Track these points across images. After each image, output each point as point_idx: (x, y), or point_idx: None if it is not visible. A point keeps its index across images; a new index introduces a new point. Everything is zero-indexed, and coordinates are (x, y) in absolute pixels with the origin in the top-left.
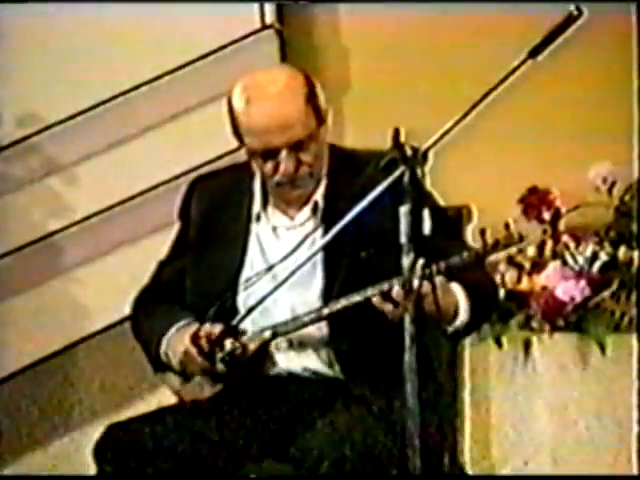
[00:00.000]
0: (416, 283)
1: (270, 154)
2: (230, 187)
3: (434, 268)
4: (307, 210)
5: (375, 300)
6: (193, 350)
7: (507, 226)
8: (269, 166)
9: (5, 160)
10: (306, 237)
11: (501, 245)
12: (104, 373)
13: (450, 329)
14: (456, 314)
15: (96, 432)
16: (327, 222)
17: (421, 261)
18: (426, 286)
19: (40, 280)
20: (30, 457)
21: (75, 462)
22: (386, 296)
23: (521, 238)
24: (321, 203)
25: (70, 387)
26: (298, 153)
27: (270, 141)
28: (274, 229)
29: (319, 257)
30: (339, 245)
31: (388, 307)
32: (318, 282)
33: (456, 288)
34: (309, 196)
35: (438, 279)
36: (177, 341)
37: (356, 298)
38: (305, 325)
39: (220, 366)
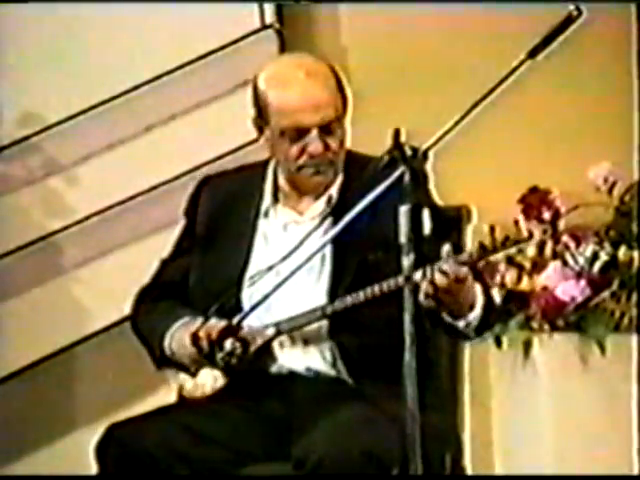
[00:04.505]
0: (447, 267)
1: (299, 135)
2: (240, 187)
3: (465, 256)
4: (321, 203)
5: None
6: (193, 350)
7: (516, 223)
8: (295, 149)
9: (5, 160)
10: (314, 230)
11: (511, 241)
12: (104, 373)
13: (461, 324)
14: (471, 308)
15: (97, 432)
16: (339, 217)
17: (447, 246)
18: (464, 271)
19: (40, 280)
20: (31, 457)
21: (76, 462)
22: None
23: (530, 236)
24: (335, 197)
25: (70, 387)
26: (326, 137)
27: (302, 120)
28: (284, 226)
29: (328, 256)
30: (349, 245)
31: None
32: (325, 281)
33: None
34: (324, 189)
35: (465, 269)
36: (182, 335)
37: (362, 297)
38: (309, 323)
39: (226, 359)
